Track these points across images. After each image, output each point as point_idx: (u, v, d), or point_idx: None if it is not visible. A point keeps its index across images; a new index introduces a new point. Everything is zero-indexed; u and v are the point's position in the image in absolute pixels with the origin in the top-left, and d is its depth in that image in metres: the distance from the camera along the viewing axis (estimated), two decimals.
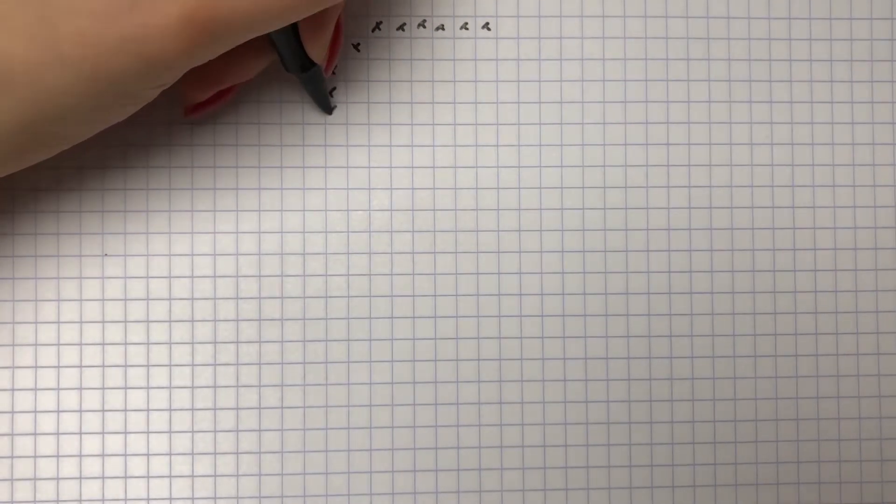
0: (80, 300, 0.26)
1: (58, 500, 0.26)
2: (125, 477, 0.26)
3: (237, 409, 0.26)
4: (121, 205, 0.26)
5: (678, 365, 0.27)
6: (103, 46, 0.18)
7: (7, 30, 0.18)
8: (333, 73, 0.26)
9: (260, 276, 0.26)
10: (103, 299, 0.26)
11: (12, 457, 0.26)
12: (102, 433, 0.26)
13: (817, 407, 0.27)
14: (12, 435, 0.26)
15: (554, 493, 0.27)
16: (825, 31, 0.28)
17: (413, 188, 0.27)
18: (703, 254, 0.27)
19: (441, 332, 0.27)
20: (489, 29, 0.27)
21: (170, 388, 0.26)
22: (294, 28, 0.23)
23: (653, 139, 0.27)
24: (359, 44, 0.27)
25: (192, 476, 0.26)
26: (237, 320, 0.26)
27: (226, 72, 0.24)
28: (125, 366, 0.26)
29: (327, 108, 0.27)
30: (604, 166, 0.27)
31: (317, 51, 0.23)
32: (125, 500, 0.26)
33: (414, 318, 0.27)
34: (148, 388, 0.26)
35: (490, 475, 0.27)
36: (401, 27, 0.27)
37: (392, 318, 0.27)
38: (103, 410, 0.26)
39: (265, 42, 0.23)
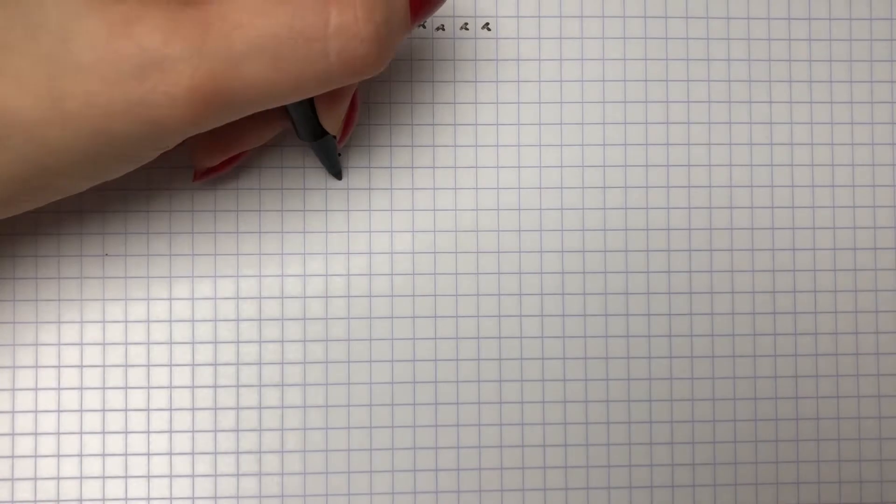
0: (81, 300, 0.26)
1: (58, 500, 0.26)
2: (125, 476, 0.26)
3: (237, 408, 0.26)
4: (121, 205, 0.26)
5: (678, 365, 0.27)
6: (109, 109, 0.18)
7: (16, 85, 0.18)
8: None
9: (260, 276, 0.27)
10: (104, 299, 0.26)
11: (13, 457, 0.26)
12: (103, 433, 0.26)
13: (817, 406, 0.27)
14: (13, 435, 0.26)
15: (554, 493, 0.27)
16: (825, 31, 0.28)
17: (413, 188, 0.27)
18: (702, 254, 0.27)
19: (441, 332, 0.27)
20: (489, 29, 0.27)
21: (170, 387, 0.26)
22: (309, 99, 0.22)
23: (653, 139, 0.27)
24: None
25: (193, 476, 0.26)
26: (237, 320, 0.26)
27: (237, 139, 0.24)
28: (125, 366, 0.26)
29: (337, 174, 0.27)
30: (604, 166, 0.27)
31: (332, 122, 0.23)
32: (125, 499, 0.26)
33: (414, 318, 0.27)
34: (148, 387, 0.26)
35: (490, 475, 0.27)
36: None
37: (392, 317, 0.27)
38: (104, 410, 0.26)
39: (279, 110, 0.23)
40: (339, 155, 0.26)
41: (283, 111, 0.23)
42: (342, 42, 0.18)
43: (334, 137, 0.24)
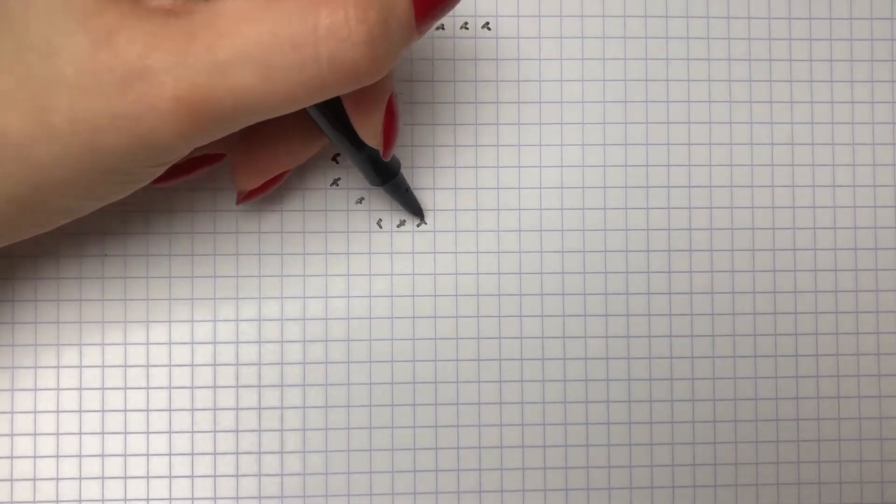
0: (80, 300, 0.26)
1: (57, 501, 0.26)
2: (125, 477, 0.26)
3: (237, 409, 0.26)
4: (120, 205, 0.26)
5: (678, 365, 0.27)
6: (94, 122, 0.17)
7: (4, 104, 0.18)
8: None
9: (260, 276, 0.26)
10: (103, 299, 0.26)
11: (12, 457, 0.26)
12: (102, 433, 0.26)
13: (818, 407, 0.27)
14: (12, 435, 0.26)
15: (554, 494, 0.27)
16: (825, 31, 0.28)
17: (413, 188, 0.27)
18: (703, 254, 0.27)
19: (441, 332, 0.27)
20: (489, 29, 0.27)
21: (169, 388, 0.26)
22: (343, 113, 0.21)
23: (653, 139, 0.27)
24: None
25: (192, 476, 0.26)
26: (237, 321, 0.26)
27: (276, 160, 0.23)
28: (125, 366, 0.26)
29: (417, 213, 0.27)
30: (604, 166, 0.27)
31: (369, 133, 0.22)
32: (125, 500, 0.26)
33: (414, 318, 0.27)
34: (148, 388, 0.26)
35: (490, 475, 0.27)
36: None
37: (392, 318, 0.27)
38: (103, 411, 0.26)
39: (315, 126, 0.23)
40: (408, 191, 0.26)
41: (320, 129, 0.23)
42: (332, 46, 0.17)
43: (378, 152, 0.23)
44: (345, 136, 0.22)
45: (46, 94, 0.17)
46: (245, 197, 0.25)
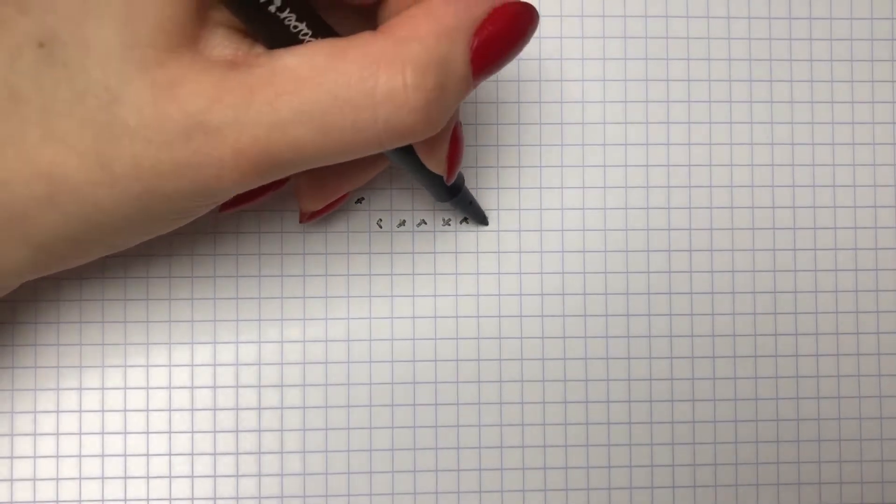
0: (80, 300, 0.26)
1: (57, 501, 0.26)
2: (125, 477, 0.26)
3: (237, 409, 0.26)
4: None
5: (678, 365, 0.27)
6: (157, 170, 0.18)
7: (63, 147, 0.18)
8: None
9: (260, 276, 0.26)
10: (103, 300, 0.26)
11: (12, 457, 0.26)
12: (102, 433, 0.26)
13: (818, 407, 0.27)
14: (12, 435, 0.26)
15: (554, 494, 0.27)
16: (825, 31, 0.28)
17: (413, 188, 0.27)
18: (703, 254, 0.27)
19: (441, 332, 0.27)
20: None
21: (169, 388, 0.26)
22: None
23: (653, 139, 0.27)
24: None
25: (192, 476, 0.26)
26: (237, 321, 0.26)
27: (340, 184, 0.24)
28: (125, 366, 0.26)
29: (482, 221, 0.27)
30: (604, 166, 0.27)
31: (433, 164, 0.22)
32: (125, 500, 0.26)
33: (414, 318, 0.27)
34: (148, 388, 0.26)
35: (490, 475, 0.27)
36: None
37: (392, 318, 0.27)
38: (103, 411, 0.26)
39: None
40: (472, 203, 0.26)
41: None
42: (389, 111, 0.17)
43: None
44: (409, 160, 0.22)
45: (108, 140, 0.17)
46: (309, 217, 0.25)
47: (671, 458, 0.27)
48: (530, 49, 0.27)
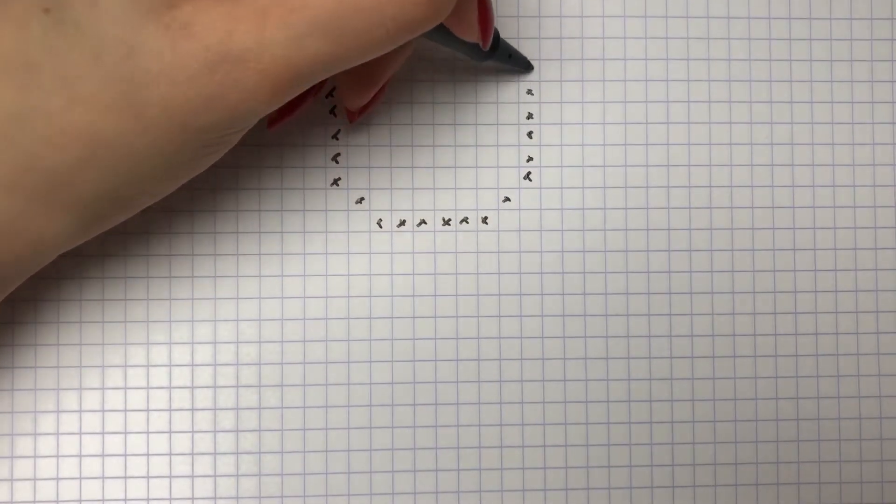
0: (80, 300, 0.26)
1: (57, 501, 0.26)
2: (125, 477, 0.26)
3: (237, 409, 0.26)
4: None
5: (678, 365, 0.27)
6: (187, 107, 0.18)
7: (91, 107, 0.18)
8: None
9: (260, 276, 0.26)
10: (103, 300, 0.26)
11: (12, 457, 0.26)
12: (102, 433, 0.26)
13: (818, 407, 0.27)
14: (12, 435, 0.26)
15: (554, 494, 0.27)
16: (825, 31, 0.28)
17: (413, 188, 0.27)
18: (703, 254, 0.27)
19: (441, 332, 0.27)
20: None
21: (169, 388, 0.26)
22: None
23: (653, 139, 0.27)
24: None
25: (192, 476, 0.26)
26: (237, 320, 0.26)
27: (380, 72, 0.24)
28: (125, 366, 0.26)
29: (527, 66, 0.27)
30: (604, 166, 0.27)
31: (466, 33, 0.23)
32: (125, 500, 0.26)
33: (414, 318, 0.27)
34: (148, 388, 0.26)
35: (490, 475, 0.27)
36: None
37: (392, 318, 0.27)
38: (103, 410, 0.26)
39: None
40: (511, 56, 0.26)
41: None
42: (395, 9, 0.18)
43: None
44: (440, 34, 0.23)
45: (135, 91, 0.18)
46: (358, 113, 0.26)
47: (671, 458, 0.27)
48: (530, 49, 0.27)
